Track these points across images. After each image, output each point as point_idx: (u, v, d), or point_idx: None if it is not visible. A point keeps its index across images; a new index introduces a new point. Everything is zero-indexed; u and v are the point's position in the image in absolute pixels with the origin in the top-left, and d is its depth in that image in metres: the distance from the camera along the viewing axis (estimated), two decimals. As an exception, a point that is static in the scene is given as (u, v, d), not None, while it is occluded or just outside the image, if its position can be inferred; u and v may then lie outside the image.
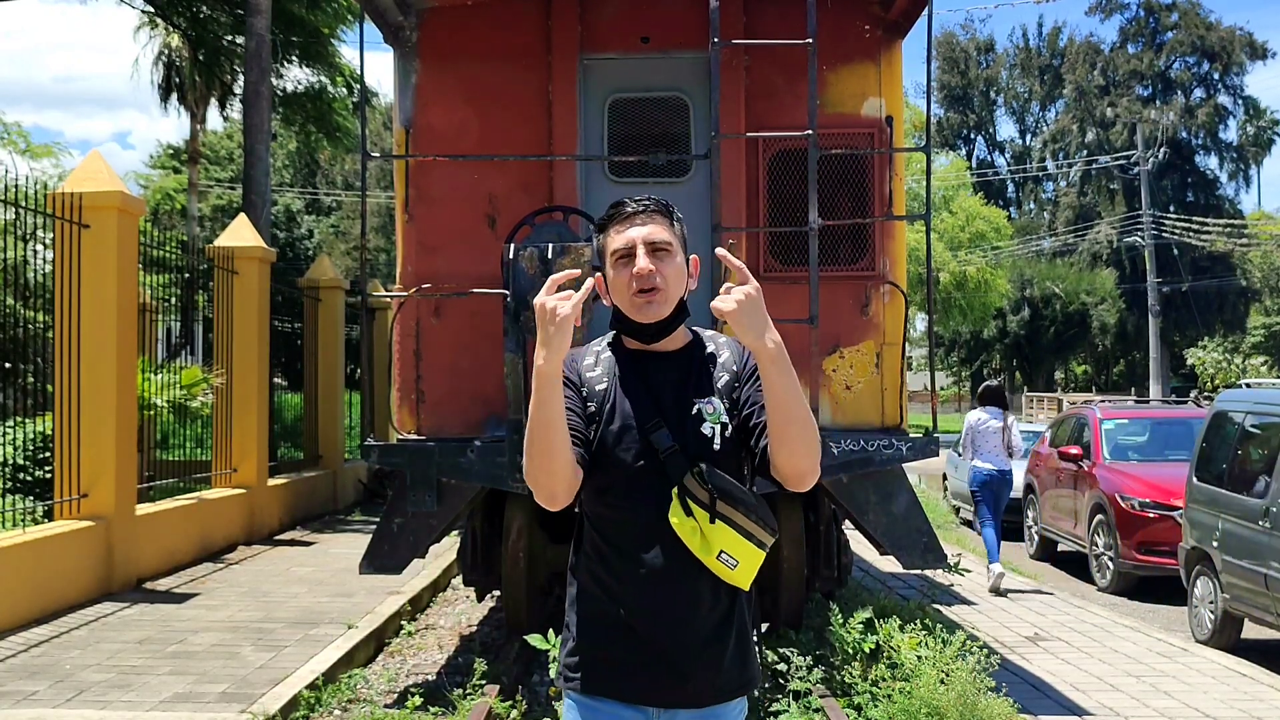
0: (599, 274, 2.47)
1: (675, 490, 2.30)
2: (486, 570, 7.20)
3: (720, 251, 2.32)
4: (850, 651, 5.89)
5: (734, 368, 2.43)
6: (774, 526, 2.36)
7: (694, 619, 2.34)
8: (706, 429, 2.35)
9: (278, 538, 11.88)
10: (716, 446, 2.35)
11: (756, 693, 5.53)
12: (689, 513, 2.29)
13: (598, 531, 2.42)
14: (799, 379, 2.30)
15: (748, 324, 2.19)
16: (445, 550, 9.89)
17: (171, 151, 41.02)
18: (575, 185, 6.57)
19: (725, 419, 2.37)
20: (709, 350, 2.47)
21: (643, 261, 2.34)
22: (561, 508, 2.36)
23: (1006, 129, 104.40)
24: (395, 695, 6.29)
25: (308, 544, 11.54)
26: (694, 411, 2.37)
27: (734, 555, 2.30)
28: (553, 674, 5.25)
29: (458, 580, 9.59)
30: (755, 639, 2.49)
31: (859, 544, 9.59)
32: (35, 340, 10.84)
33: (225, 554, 10.63)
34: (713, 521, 2.28)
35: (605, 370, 2.44)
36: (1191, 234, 48.50)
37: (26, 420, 10.00)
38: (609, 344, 2.50)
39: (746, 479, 2.42)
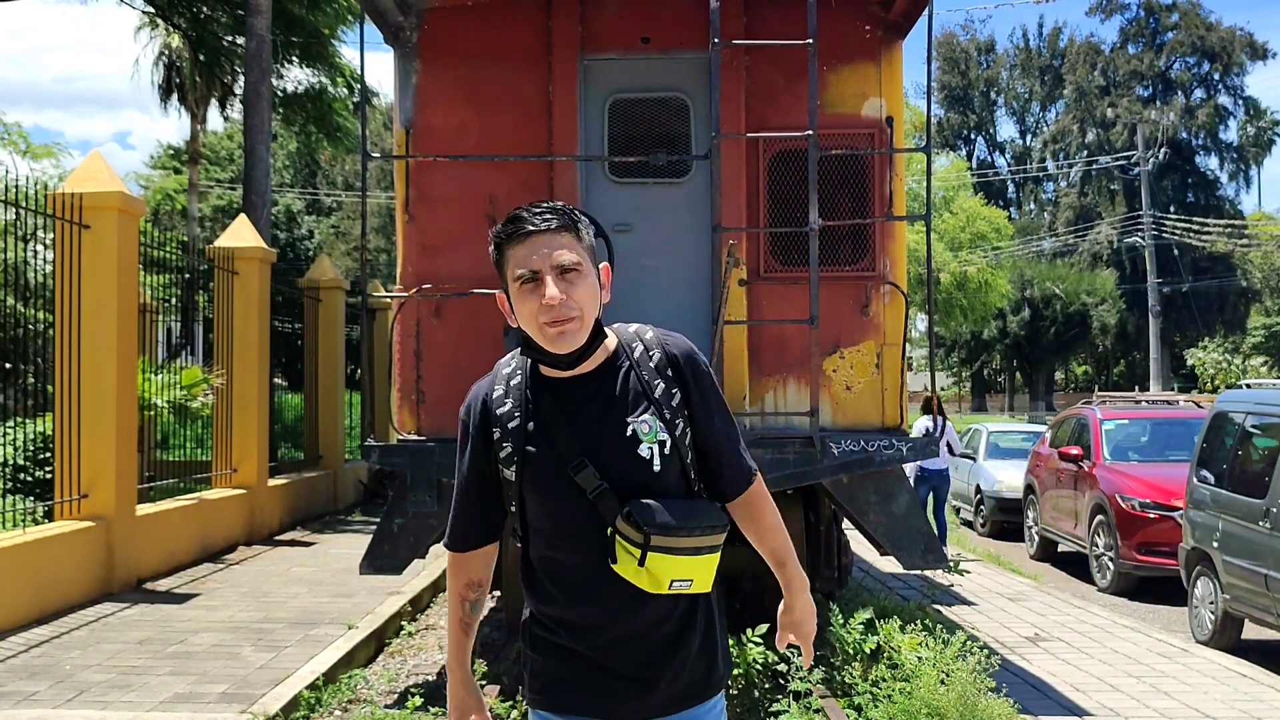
0: (499, 294, 2.25)
1: (610, 533, 2.14)
2: (487, 571, 7.19)
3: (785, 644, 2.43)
4: (851, 652, 5.88)
5: (667, 372, 2.25)
6: (723, 521, 2.23)
7: (651, 637, 2.22)
8: (644, 450, 2.18)
9: (278, 538, 11.88)
10: (657, 468, 2.18)
11: (757, 693, 5.54)
12: (629, 555, 2.13)
13: (540, 564, 2.28)
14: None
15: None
16: (446, 551, 9.88)
17: (172, 152, 41.02)
18: (575, 186, 6.57)
19: (663, 434, 2.20)
20: (636, 355, 2.26)
21: (552, 290, 2.10)
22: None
23: (1007, 129, 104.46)
24: (395, 695, 6.29)
25: (308, 544, 11.54)
26: (628, 433, 2.19)
27: (686, 577, 2.16)
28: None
29: (458, 581, 9.58)
30: (722, 631, 2.37)
31: (859, 544, 9.59)
32: (35, 340, 10.83)
33: (225, 554, 10.63)
34: (643, 562, 2.12)
35: (516, 402, 2.24)
36: (1192, 234, 48.52)
37: (27, 420, 10.00)
38: (520, 368, 2.30)
39: (693, 481, 2.27)
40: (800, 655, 2.45)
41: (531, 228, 2.14)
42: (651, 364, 2.25)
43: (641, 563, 2.11)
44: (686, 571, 2.16)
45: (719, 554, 2.22)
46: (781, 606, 2.42)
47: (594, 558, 2.18)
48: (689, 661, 2.26)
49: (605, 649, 2.22)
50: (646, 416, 2.21)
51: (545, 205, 2.20)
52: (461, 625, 2.44)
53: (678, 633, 2.25)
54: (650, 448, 2.18)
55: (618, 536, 2.13)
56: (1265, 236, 51.48)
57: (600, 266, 2.23)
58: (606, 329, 2.27)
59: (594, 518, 2.17)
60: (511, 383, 2.27)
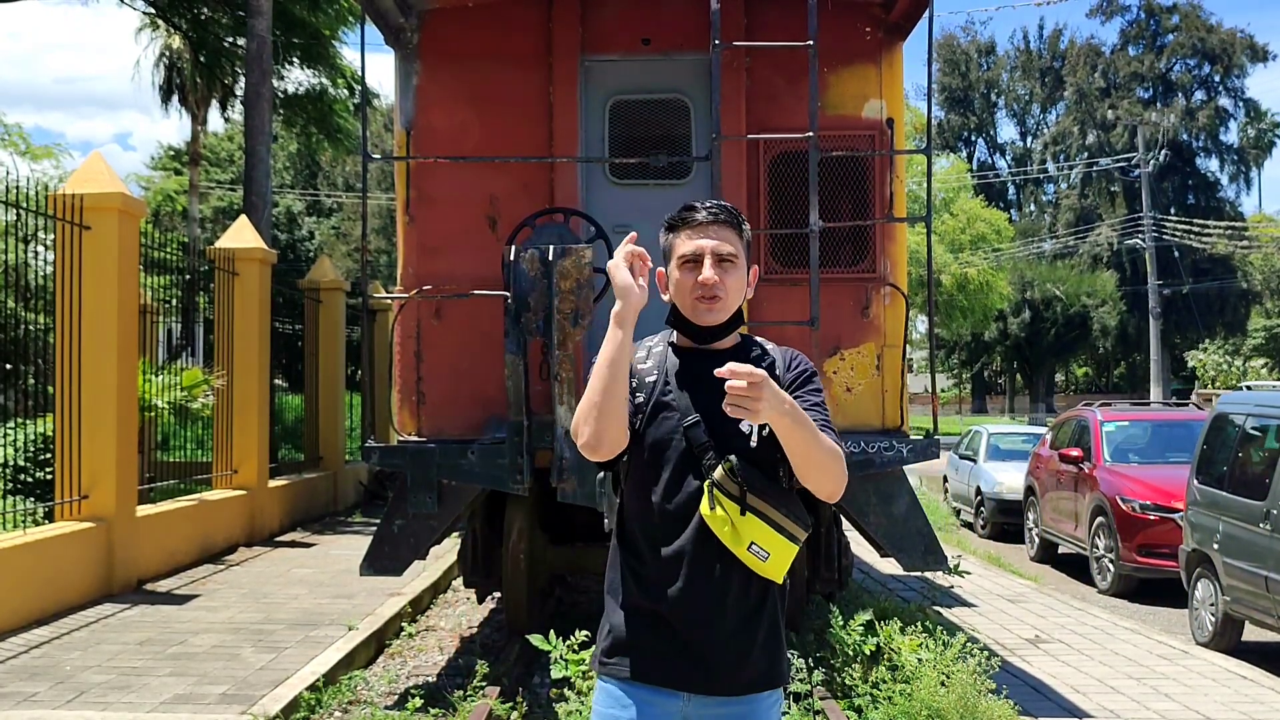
0: (660, 270, 2.57)
1: (707, 483, 2.38)
2: (487, 572, 7.20)
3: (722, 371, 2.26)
4: (851, 653, 5.88)
5: (778, 373, 2.51)
6: (807, 522, 2.43)
7: (722, 609, 2.41)
8: (745, 426, 2.41)
9: (278, 539, 11.88)
10: (753, 444, 2.41)
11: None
12: (718, 504, 2.36)
13: (635, 520, 2.51)
14: None
15: (767, 406, 2.21)
16: (446, 552, 9.89)
17: (172, 153, 41.01)
18: (576, 187, 6.57)
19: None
20: (756, 353, 2.56)
21: (709, 272, 2.45)
22: (599, 458, 2.44)
23: (1007, 131, 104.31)
24: (396, 697, 6.29)
25: (308, 545, 11.54)
26: None
27: (765, 548, 2.37)
28: (554, 674, 5.25)
29: (458, 582, 9.59)
30: (784, 634, 2.54)
31: (859, 546, 9.58)
32: (36, 341, 10.84)
33: (226, 555, 10.63)
34: (743, 514, 2.35)
35: (655, 364, 2.54)
36: (1192, 236, 48.51)
37: (27, 421, 10.00)
38: (663, 340, 2.60)
39: (783, 476, 2.45)
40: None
41: (703, 217, 2.50)
42: (766, 361, 2.55)
43: (741, 512, 2.35)
44: (767, 542, 2.38)
45: (797, 549, 2.42)
46: None
47: (686, 507, 2.43)
48: (753, 649, 2.43)
49: (680, 606, 2.40)
50: None
51: (715, 202, 2.55)
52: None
53: (747, 617, 2.43)
54: (751, 426, 2.40)
55: (715, 488, 2.37)
56: (1265, 238, 51.50)
57: (751, 267, 2.56)
58: (739, 331, 2.57)
59: (696, 471, 2.42)
60: (653, 349, 2.59)
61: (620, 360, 2.37)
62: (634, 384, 2.50)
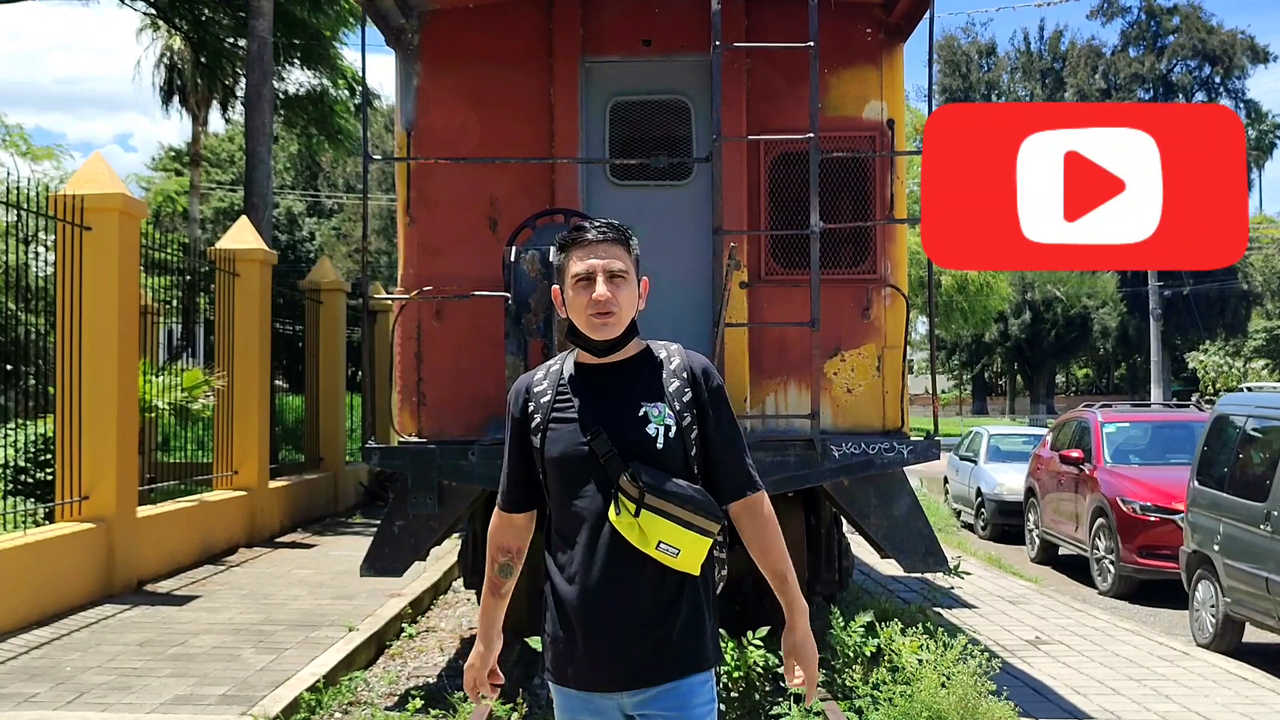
0: (554, 288, 2.72)
1: (614, 490, 2.53)
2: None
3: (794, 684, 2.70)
4: (851, 655, 5.88)
5: (684, 374, 2.65)
6: (718, 514, 2.56)
7: (636, 605, 2.54)
8: (651, 429, 2.57)
9: (279, 540, 11.88)
10: (659, 446, 2.57)
11: (758, 695, 5.53)
12: (623, 509, 2.51)
13: (555, 528, 2.67)
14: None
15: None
16: (446, 553, 9.89)
17: (173, 154, 40.99)
18: (577, 188, 6.57)
19: (670, 421, 2.59)
20: (659, 358, 2.69)
21: (601, 289, 2.58)
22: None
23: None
24: (396, 698, 6.29)
25: (309, 546, 11.54)
26: (640, 414, 2.59)
27: (673, 544, 2.50)
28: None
29: (459, 583, 9.59)
30: (712, 622, 2.68)
31: (860, 547, 9.58)
32: (37, 342, 10.84)
33: (226, 556, 10.63)
34: (637, 514, 2.49)
35: (551, 384, 2.69)
36: (1193, 237, 48.38)
37: (28, 422, 10.00)
38: (561, 360, 2.75)
39: (696, 475, 2.62)
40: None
41: (593, 237, 2.62)
42: (672, 367, 2.67)
43: (636, 514, 2.49)
44: (674, 539, 2.51)
45: (710, 541, 2.55)
46: (785, 630, 2.71)
47: (597, 510, 2.57)
48: (672, 635, 2.55)
49: (596, 600, 2.55)
50: (658, 404, 2.61)
51: (604, 221, 2.69)
52: (492, 588, 2.83)
53: (664, 606, 2.56)
54: (657, 428, 2.57)
55: (619, 493, 2.52)
56: (1266, 239, 51.46)
57: (641, 280, 2.69)
58: (638, 338, 2.70)
59: (601, 481, 2.57)
60: (551, 369, 2.73)
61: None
62: (530, 407, 2.67)
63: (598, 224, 2.65)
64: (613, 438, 2.55)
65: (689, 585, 2.58)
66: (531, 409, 2.67)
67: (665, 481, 2.52)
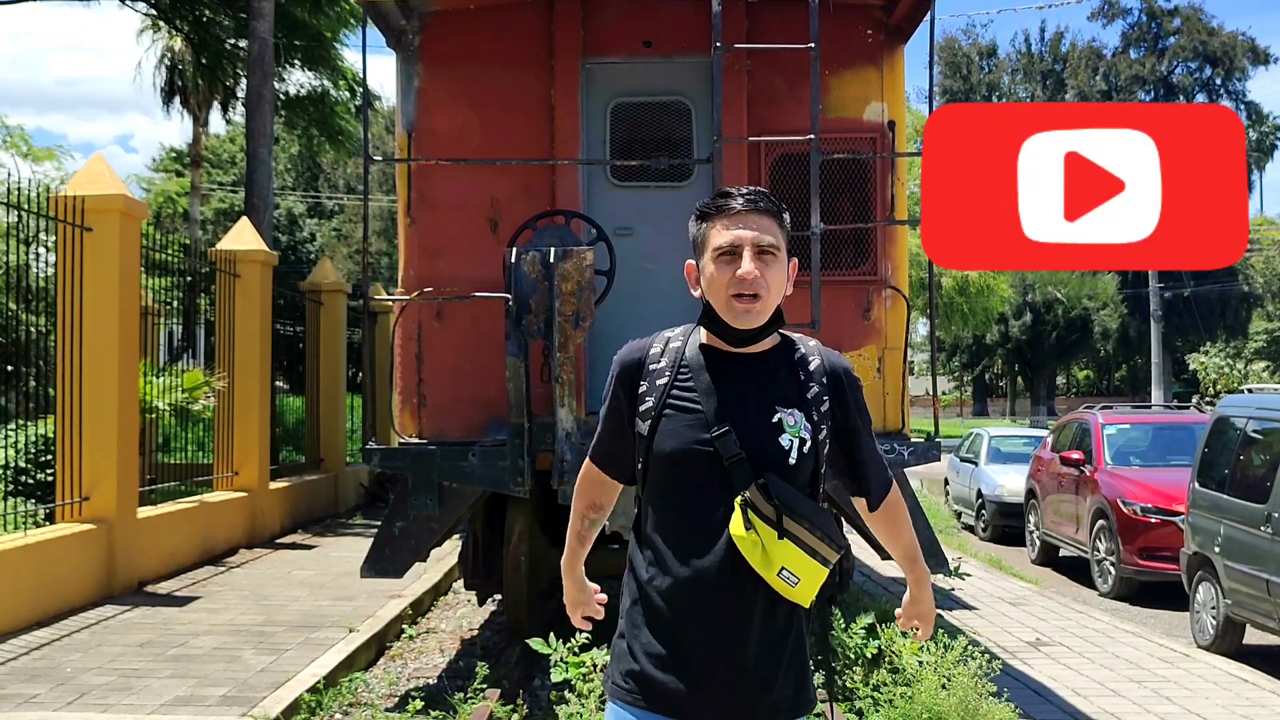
0: (689, 263, 2.37)
1: (739, 501, 2.19)
2: (488, 574, 7.20)
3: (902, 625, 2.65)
4: (852, 656, 5.87)
5: (824, 379, 2.35)
6: (841, 542, 2.26)
7: (747, 633, 2.23)
8: (785, 440, 2.25)
9: (279, 541, 11.88)
10: (792, 461, 2.25)
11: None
12: (751, 526, 2.17)
13: (656, 529, 2.30)
14: None
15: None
16: (446, 554, 9.89)
17: (174, 155, 41.06)
18: (577, 189, 6.57)
19: (806, 434, 2.28)
20: (799, 354, 2.37)
21: (748, 265, 2.23)
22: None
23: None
24: (396, 699, 6.29)
25: (309, 547, 11.54)
26: (775, 419, 2.27)
27: (796, 573, 2.20)
28: (555, 676, 5.24)
29: (459, 584, 9.59)
30: (808, 660, 2.38)
31: (860, 548, 9.58)
32: (37, 343, 10.84)
33: (226, 557, 10.63)
34: (780, 538, 2.17)
35: (670, 361, 2.33)
36: (1193, 239, 48.38)
37: (28, 423, 10.00)
38: (684, 334, 2.39)
39: (820, 492, 2.33)
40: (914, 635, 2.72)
41: (740, 205, 2.26)
42: (810, 367, 2.36)
43: (779, 535, 2.17)
44: (799, 567, 2.20)
45: (827, 571, 2.24)
46: (907, 598, 2.62)
47: (712, 521, 2.22)
48: (778, 675, 2.26)
49: (701, 628, 2.22)
50: (795, 411, 2.29)
51: (753, 188, 2.31)
52: (578, 537, 2.58)
53: (773, 642, 2.25)
54: (791, 440, 2.25)
55: (748, 507, 2.17)
56: (1267, 241, 51.45)
57: (791, 260, 2.34)
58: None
59: (724, 484, 2.21)
60: (670, 345, 2.36)
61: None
62: (642, 387, 2.32)
63: (746, 192, 2.28)
64: (740, 441, 2.22)
65: (796, 618, 2.30)
66: (644, 389, 2.31)
67: (801, 503, 2.20)
